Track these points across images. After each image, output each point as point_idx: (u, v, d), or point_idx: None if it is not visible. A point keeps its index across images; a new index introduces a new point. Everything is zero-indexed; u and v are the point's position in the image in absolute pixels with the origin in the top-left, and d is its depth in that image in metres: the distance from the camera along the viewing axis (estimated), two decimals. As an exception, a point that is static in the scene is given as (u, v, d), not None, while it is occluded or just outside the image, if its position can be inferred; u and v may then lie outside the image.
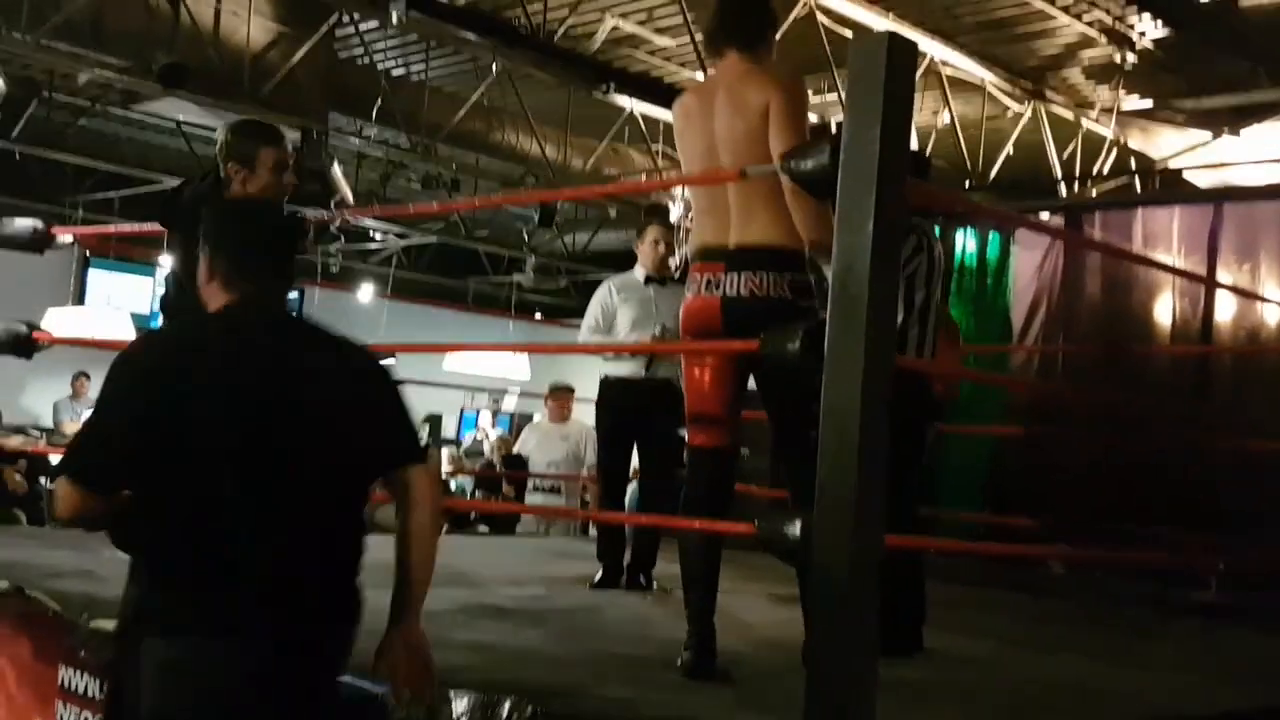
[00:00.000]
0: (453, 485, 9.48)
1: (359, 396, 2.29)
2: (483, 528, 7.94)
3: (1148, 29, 7.56)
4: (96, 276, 12.31)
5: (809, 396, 2.39)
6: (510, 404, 14.79)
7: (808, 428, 2.45)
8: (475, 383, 13.33)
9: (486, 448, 11.04)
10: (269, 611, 2.14)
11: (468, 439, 13.57)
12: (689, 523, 4.11)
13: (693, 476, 3.29)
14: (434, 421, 15.09)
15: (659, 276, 4.99)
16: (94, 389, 12.08)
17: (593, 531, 6.67)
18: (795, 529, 2.42)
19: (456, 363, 12.55)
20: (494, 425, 13.26)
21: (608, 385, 5.00)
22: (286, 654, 2.14)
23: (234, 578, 2.13)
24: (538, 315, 14.52)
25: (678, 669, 3.03)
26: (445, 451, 9.81)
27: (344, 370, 2.32)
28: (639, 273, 5.04)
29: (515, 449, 8.62)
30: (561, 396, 8.15)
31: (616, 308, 4.97)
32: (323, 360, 2.30)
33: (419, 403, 2.48)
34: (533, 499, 7.99)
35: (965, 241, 7.30)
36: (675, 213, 9.52)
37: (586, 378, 8.46)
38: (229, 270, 2.29)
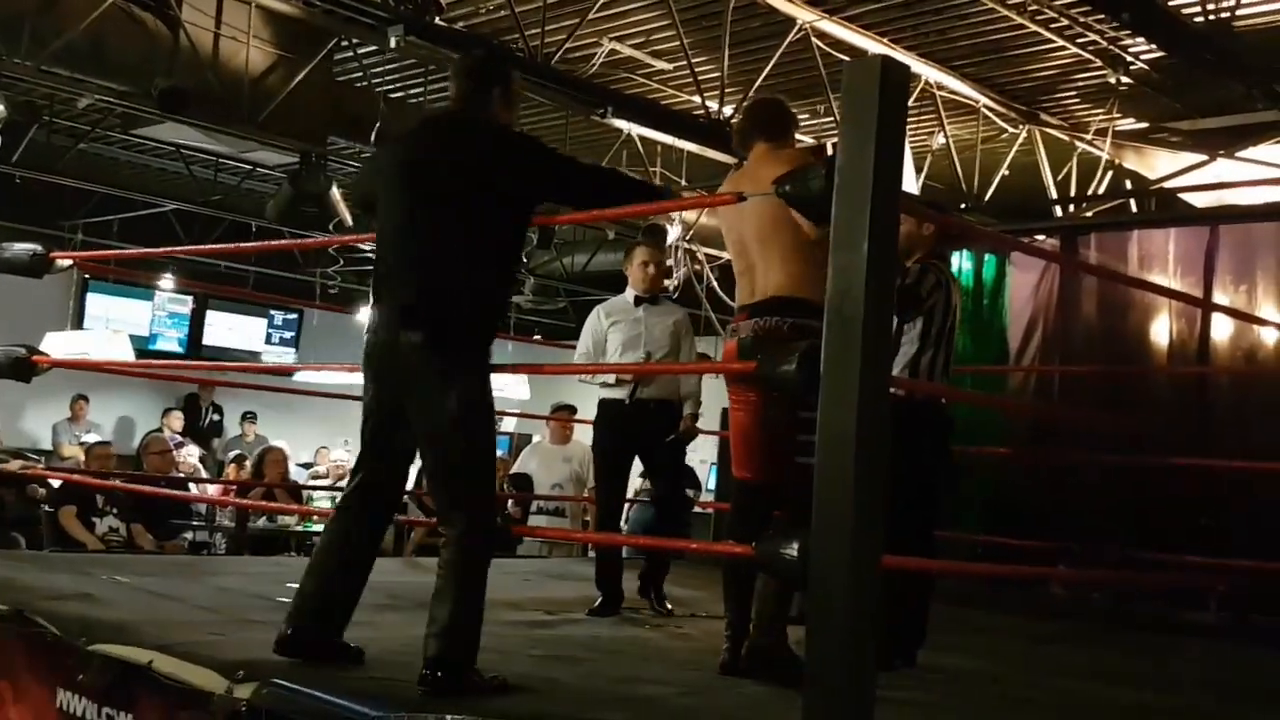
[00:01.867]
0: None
1: None
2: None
3: (1141, 51, 7.59)
4: (95, 300, 12.33)
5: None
6: (509, 425, 14.75)
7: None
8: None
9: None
10: None
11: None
12: (685, 544, 4.29)
13: (731, 506, 3.60)
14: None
15: (649, 296, 4.99)
16: (93, 412, 12.05)
17: (594, 553, 6.64)
18: (793, 550, 2.42)
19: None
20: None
21: (604, 407, 5.00)
22: None
23: None
24: (537, 336, 14.53)
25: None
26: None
27: None
28: (629, 295, 5.04)
29: (514, 470, 8.60)
30: (563, 417, 8.14)
31: (606, 333, 4.97)
32: None
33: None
34: (535, 520, 7.96)
35: (961, 263, 7.32)
36: (673, 234, 9.54)
37: (587, 399, 8.46)
38: None
